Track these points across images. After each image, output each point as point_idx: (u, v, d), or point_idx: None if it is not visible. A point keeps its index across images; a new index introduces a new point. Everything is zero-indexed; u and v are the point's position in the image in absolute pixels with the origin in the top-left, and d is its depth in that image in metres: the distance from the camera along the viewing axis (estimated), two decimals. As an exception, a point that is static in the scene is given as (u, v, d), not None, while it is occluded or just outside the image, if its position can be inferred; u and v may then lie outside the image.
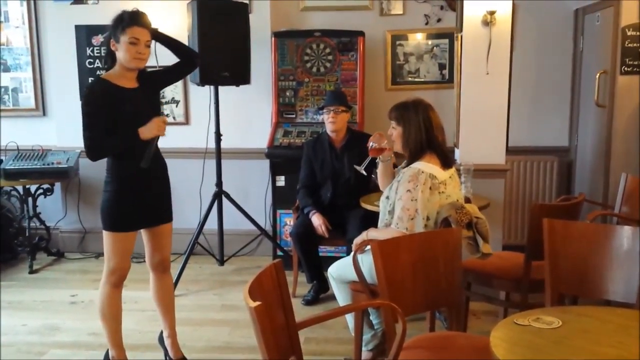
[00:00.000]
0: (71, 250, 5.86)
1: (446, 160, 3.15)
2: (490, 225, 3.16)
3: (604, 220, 4.56)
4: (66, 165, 5.40)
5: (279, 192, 5.28)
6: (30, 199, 5.52)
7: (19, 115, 5.93)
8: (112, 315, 3.35)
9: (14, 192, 5.63)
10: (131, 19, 3.16)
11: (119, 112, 3.16)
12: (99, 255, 5.67)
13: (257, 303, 1.88)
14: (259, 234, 5.45)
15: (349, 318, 3.45)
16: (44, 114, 5.95)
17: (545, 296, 2.80)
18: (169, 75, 3.53)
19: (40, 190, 5.59)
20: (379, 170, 3.47)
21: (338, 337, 3.90)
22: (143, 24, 3.18)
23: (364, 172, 3.61)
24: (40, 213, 5.63)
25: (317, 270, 4.54)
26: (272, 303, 2.16)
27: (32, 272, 5.33)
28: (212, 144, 5.24)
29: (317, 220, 4.42)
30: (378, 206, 3.36)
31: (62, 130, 5.76)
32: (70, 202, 5.88)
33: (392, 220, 3.11)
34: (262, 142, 5.31)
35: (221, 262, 5.42)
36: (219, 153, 5.21)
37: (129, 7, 3.31)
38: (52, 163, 5.41)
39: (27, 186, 5.47)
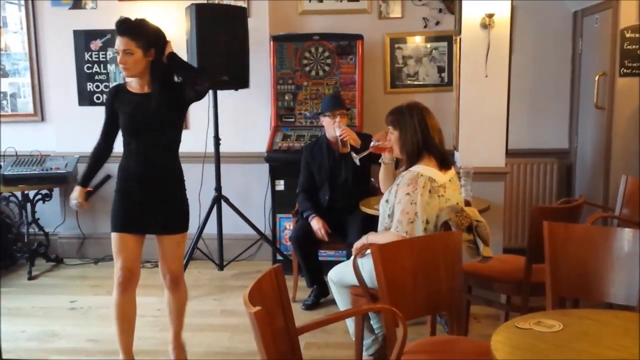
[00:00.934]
0: (70, 256, 5.85)
1: (444, 161, 3.14)
2: (490, 228, 3.15)
3: (604, 222, 4.56)
4: (65, 171, 5.40)
5: (278, 196, 5.27)
6: (28, 205, 5.52)
7: (18, 120, 5.92)
8: (119, 318, 3.34)
9: (12, 198, 5.61)
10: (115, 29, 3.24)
11: (121, 113, 3.30)
12: (98, 260, 5.69)
13: (257, 308, 1.87)
14: (258, 239, 5.44)
15: (350, 323, 3.44)
16: (43, 119, 5.95)
17: (546, 299, 2.79)
18: (182, 91, 3.34)
19: (39, 196, 5.58)
20: (381, 173, 3.47)
21: (338, 341, 3.89)
22: (121, 33, 3.18)
23: (357, 162, 3.69)
24: (39, 219, 5.62)
25: (317, 275, 4.53)
26: (272, 308, 2.15)
27: (30, 278, 5.32)
28: (211, 149, 5.24)
29: (316, 224, 4.42)
30: (378, 210, 3.35)
31: (60, 135, 5.76)
32: (69, 208, 5.84)
33: (391, 223, 3.10)
34: (261, 146, 5.31)
35: (220, 267, 5.41)
36: (218, 157, 5.21)
37: (127, 12, 3.30)
38: (51, 168, 5.41)
39: (26, 192, 5.47)
